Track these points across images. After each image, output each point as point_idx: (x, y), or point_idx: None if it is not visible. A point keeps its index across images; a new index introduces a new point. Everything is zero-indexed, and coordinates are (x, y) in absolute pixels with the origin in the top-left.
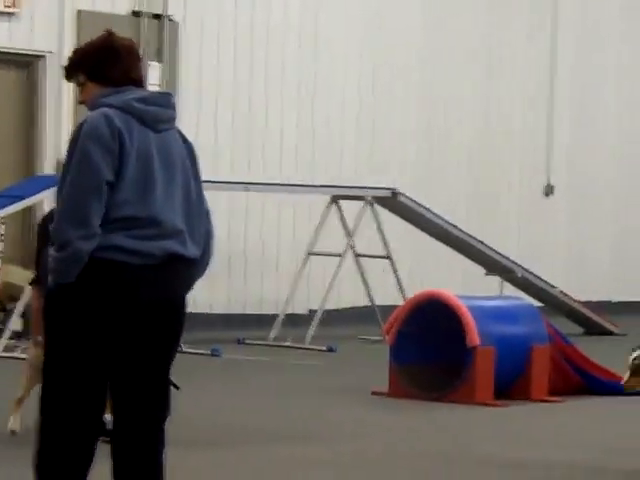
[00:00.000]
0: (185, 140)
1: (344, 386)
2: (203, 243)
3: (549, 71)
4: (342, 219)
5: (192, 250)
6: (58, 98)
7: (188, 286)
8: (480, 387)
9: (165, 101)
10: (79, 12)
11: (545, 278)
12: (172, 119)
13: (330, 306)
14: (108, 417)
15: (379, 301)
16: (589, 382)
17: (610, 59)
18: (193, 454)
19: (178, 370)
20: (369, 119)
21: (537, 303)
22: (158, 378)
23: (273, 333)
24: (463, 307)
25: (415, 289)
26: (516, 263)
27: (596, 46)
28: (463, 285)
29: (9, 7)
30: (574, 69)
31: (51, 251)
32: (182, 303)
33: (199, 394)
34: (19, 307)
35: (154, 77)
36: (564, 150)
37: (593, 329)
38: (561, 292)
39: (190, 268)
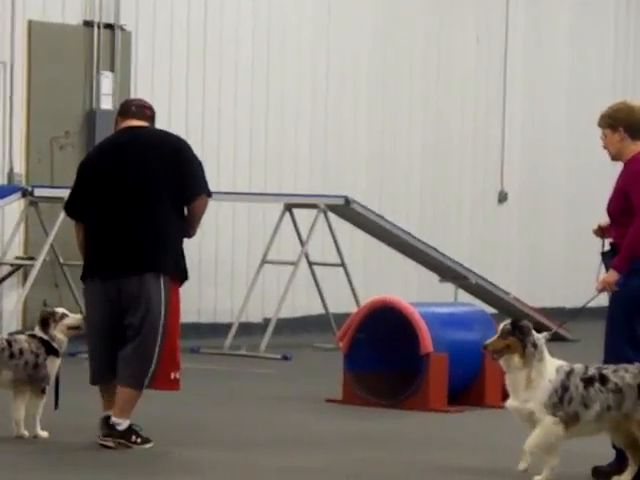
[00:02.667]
0: None
1: (298, 394)
2: None
3: (501, 79)
4: (295, 227)
5: None
6: (10, 109)
7: None
8: (434, 393)
9: None
10: (30, 22)
11: (499, 285)
12: None
13: (284, 314)
14: (114, 419)
15: (333, 309)
16: None
17: (561, 66)
18: (146, 462)
19: None
20: (321, 128)
21: (491, 309)
22: None
23: (227, 342)
24: (416, 314)
25: (369, 296)
26: (470, 270)
27: (546, 53)
28: (417, 292)
29: None
30: (525, 77)
31: None
32: None
33: (152, 403)
34: None
35: (107, 87)
36: (517, 157)
37: None
38: (515, 298)
39: None
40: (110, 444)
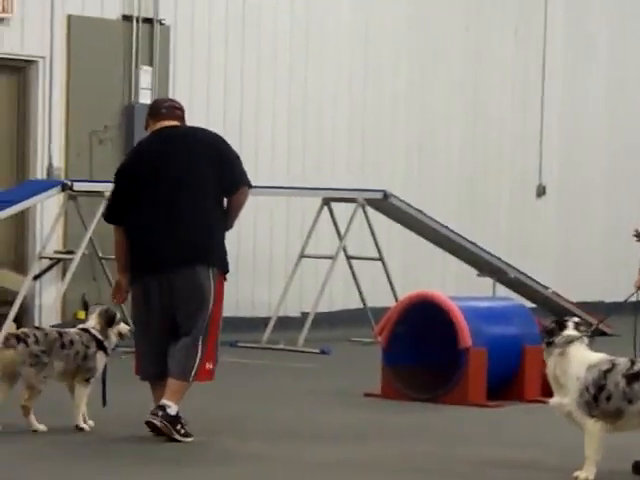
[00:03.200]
0: None
1: (336, 388)
2: None
3: (540, 72)
4: (334, 222)
5: None
6: (49, 103)
7: None
8: (473, 388)
9: None
10: (69, 17)
11: (537, 279)
12: None
13: (322, 308)
14: (165, 401)
15: (371, 303)
16: None
17: (601, 57)
18: (185, 454)
19: None
20: (360, 122)
21: (529, 304)
22: None
23: (265, 336)
24: (455, 308)
25: (407, 291)
26: (508, 264)
27: (585, 48)
28: (455, 286)
29: (0, 12)
30: (564, 71)
31: None
32: None
33: (191, 397)
34: (12, 311)
35: (146, 81)
36: (556, 151)
37: None
38: (554, 293)
39: None
40: (157, 422)
